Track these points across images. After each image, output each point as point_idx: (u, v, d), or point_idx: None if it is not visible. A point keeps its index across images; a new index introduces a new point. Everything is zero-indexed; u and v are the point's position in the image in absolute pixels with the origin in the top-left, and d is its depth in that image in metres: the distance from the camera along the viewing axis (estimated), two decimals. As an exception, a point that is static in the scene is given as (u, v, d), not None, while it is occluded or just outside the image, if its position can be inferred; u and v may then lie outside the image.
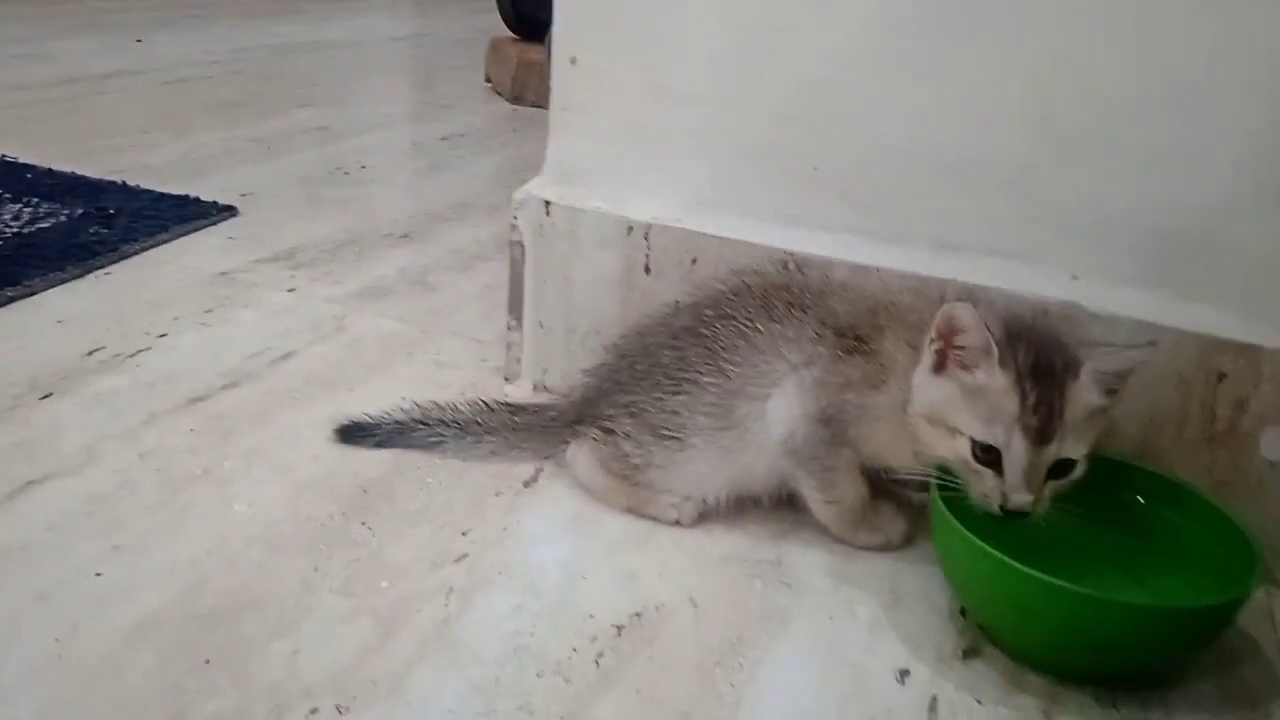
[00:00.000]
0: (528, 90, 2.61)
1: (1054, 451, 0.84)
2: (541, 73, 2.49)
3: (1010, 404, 0.84)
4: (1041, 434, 0.83)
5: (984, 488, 0.86)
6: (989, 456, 0.85)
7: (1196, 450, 0.98)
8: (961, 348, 0.86)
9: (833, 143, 1.06)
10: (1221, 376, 0.95)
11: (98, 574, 0.87)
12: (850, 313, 0.96)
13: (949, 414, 0.86)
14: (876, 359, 0.93)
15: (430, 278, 1.53)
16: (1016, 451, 0.84)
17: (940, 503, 0.87)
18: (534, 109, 2.52)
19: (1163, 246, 0.96)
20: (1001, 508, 0.85)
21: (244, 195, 1.78)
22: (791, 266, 1.07)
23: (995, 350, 0.84)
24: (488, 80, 2.89)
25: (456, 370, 1.26)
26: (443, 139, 2.33)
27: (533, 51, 2.63)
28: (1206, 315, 0.95)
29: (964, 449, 0.86)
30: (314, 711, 0.75)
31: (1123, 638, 0.80)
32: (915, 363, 0.91)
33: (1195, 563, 0.89)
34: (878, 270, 1.04)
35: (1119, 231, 0.98)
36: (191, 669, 0.78)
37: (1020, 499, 0.84)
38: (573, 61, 1.15)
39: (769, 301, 0.99)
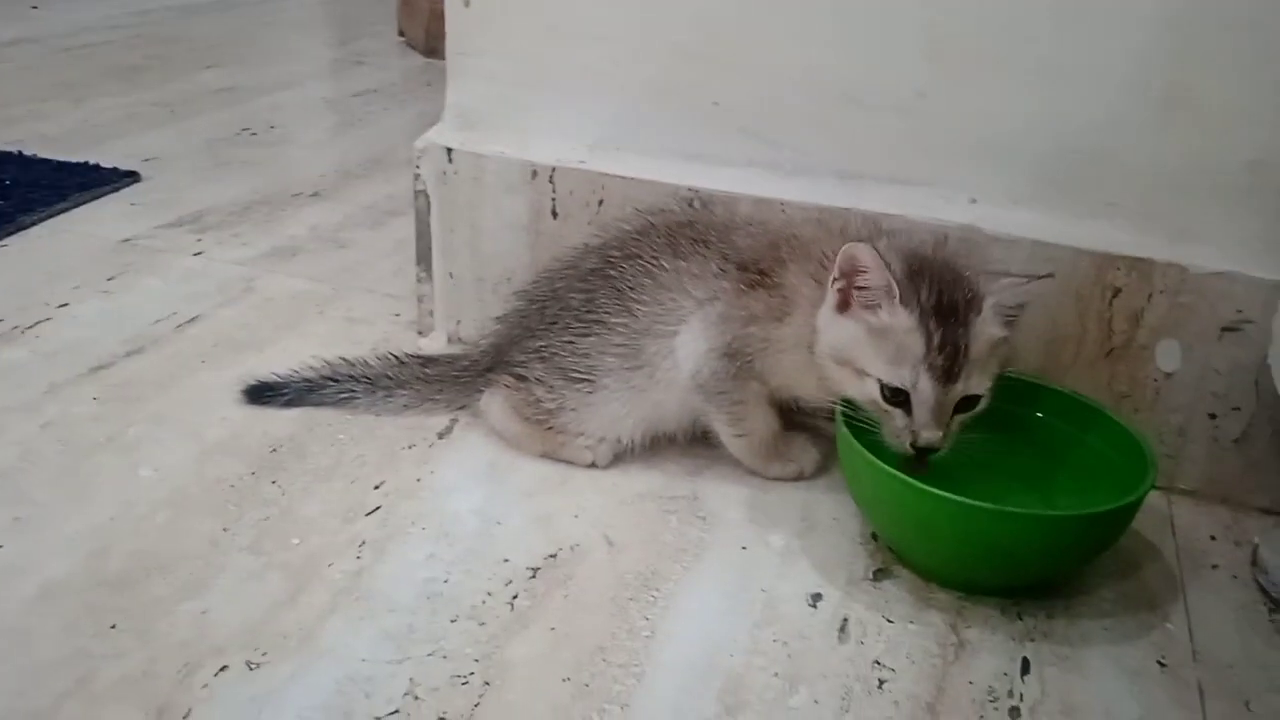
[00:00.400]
0: (442, 43, 2.56)
1: (961, 389, 0.85)
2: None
3: (916, 345, 0.84)
4: (948, 373, 0.84)
5: (893, 427, 0.86)
6: (898, 398, 0.85)
7: (1095, 366, 1.00)
8: (864, 288, 0.86)
9: (732, 76, 1.06)
10: (1116, 292, 0.97)
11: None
12: (753, 247, 0.96)
13: (856, 356, 0.87)
14: (780, 292, 0.94)
15: (342, 235, 1.51)
16: (924, 392, 0.84)
17: (845, 428, 0.88)
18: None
19: (1056, 165, 0.98)
20: (912, 445, 0.86)
21: (147, 160, 1.73)
22: (696, 204, 1.07)
23: (897, 290, 0.84)
24: (401, 34, 2.83)
25: (369, 326, 1.25)
26: (355, 95, 2.28)
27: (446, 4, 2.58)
28: (1100, 231, 0.97)
29: (873, 390, 0.86)
30: (224, 668, 0.75)
31: (1023, 547, 0.82)
32: (818, 295, 0.91)
33: (1097, 474, 0.91)
34: (782, 203, 1.04)
35: (1014, 153, 0.99)
36: (98, 634, 0.77)
37: (929, 436, 0.85)
38: (466, 4, 1.13)
39: (674, 239, 0.99)
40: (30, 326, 1.19)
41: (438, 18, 2.61)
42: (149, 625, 0.78)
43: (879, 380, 0.85)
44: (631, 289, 0.97)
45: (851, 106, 1.02)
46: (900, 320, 0.84)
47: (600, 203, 1.11)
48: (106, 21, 2.72)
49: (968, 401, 0.86)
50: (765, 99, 1.05)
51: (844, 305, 0.88)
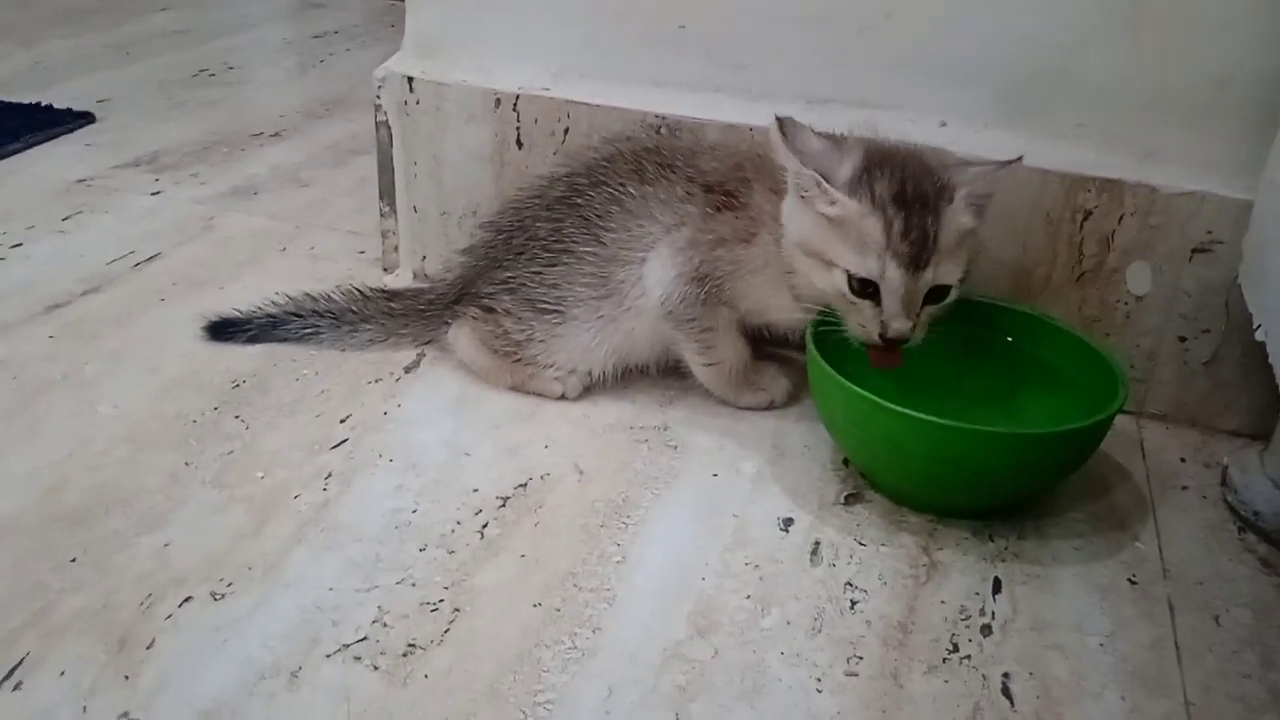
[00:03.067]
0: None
1: (930, 278, 0.83)
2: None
3: (875, 232, 0.82)
4: (916, 261, 0.82)
5: (862, 318, 0.85)
6: (866, 289, 0.84)
7: (1067, 289, 0.99)
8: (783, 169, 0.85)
9: (697, 3, 1.03)
10: (1087, 214, 0.96)
11: (-48, 484, 0.83)
12: (718, 169, 0.94)
13: (821, 245, 0.85)
14: (746, 212, 0.92)
15: (303, 174, 1.47)
16: (892, 280, 0.83)
17: (815, 351, 0.87)
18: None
19: (1025, 86, 0.96)
20: (881, 335, 0.84)
21: (101, 101, 1.68)
22: (664, 130, 1.04)
23: (821, 180, 0.83)
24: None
25: (333, 263, 1.22)
26: (315, 36, 2.23)
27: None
28: (1069, 152, 0.96)
29: (840, 281, 0.84)
30: (187, 599, 0.73)
31: (993, 466, 0.82)
32: (778, 208, 0.90)
33: (1067, 396, 0.91)
34: (750, 128, 1.02)
35: (983, 74, 0.97)
36: (55, 568, 0.75)
37: (899, 326, 0.83)
38: (425, -72, 1.10)
39: (640, 165, 0.97)
40: (-23, 267, 1.16)
41: (399, -43, 2.56)
42: (108, 558, 0.76)
43: (846, 270, 0.84)
44: (599, 217, 0.96)
45: (818, 28, 1.00)
46: (850, 207, 0.83)
47: (566, 131, 1.09)
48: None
49: (937, 292, 0.85)
50: (731, 21, 1.03)
51: (804, 193, 0.86)
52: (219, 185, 1.42)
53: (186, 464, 0.87)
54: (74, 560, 0.76)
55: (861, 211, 0.83)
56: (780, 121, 0.85)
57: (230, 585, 0.75)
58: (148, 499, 0.83)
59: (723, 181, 0.93)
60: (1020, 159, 0.87)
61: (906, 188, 0.83)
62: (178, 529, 0.80)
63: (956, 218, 0.84)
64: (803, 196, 0.85)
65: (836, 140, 0.89)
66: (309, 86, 1.90)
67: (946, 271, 0.84)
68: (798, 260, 0.87)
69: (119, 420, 0.92)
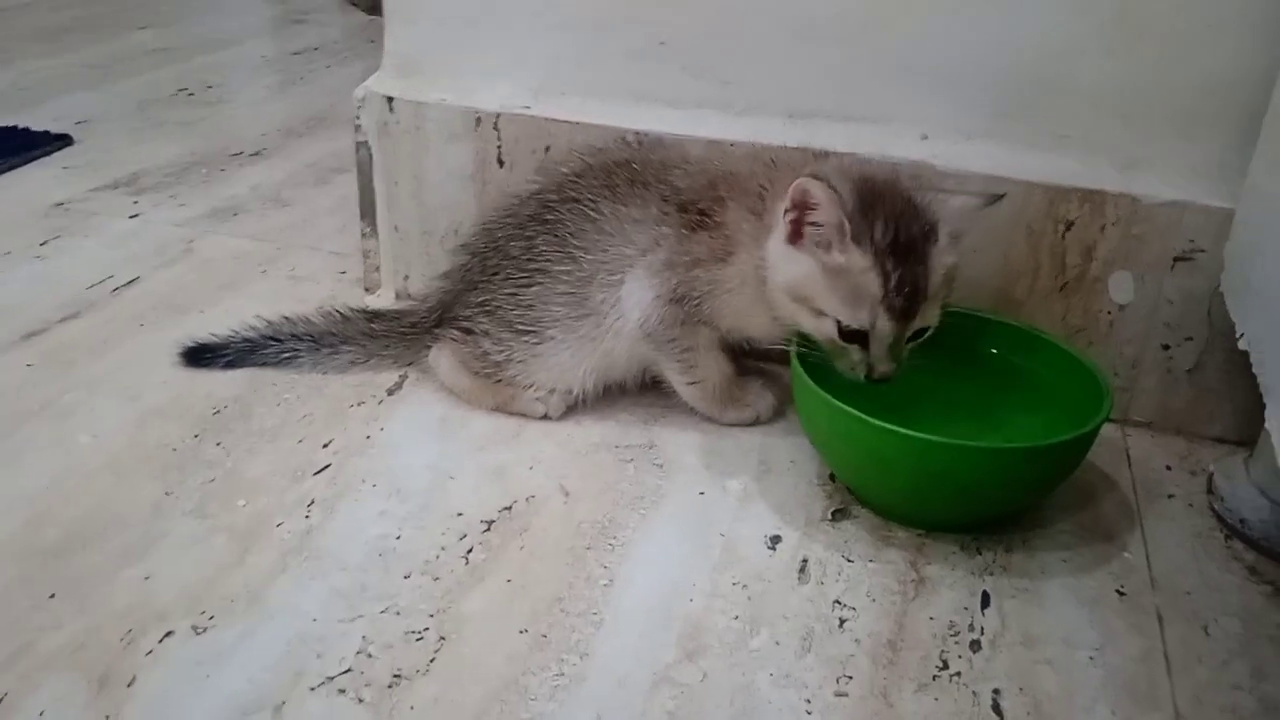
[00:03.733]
0: (383, -2, 2.50)
1: (917, 324, 0.84)
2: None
3: (873, 285, 0.82)
4: (906, 313, 0.83)
5: (849, 361, 0.86)
6: (855, 336, 0.84)
7: (1050, 299, 0.99)
8: (816, 224, 0.84)
9: (677, 13, 1.03)
10: (1069, 225, 0.96)
11: (-71, 519, 0.82)
12: (692, 187, 0.94)
13: (812, 294, 0.85)
14: (721, 231, 0.92)
15: (284, 194, 1.47)
16: (882, 331, 0.83)
17: (799, 368, 0.87)
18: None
19: (1007, 97, 0.96)
20: (866, 377, 0.85)
21: (79, 123, 1.67)
22: (636, 143, 1.03)
23: (849, 228, 0.82)
24: (342, -9, 2.76)
25: (314, 285, 1.22)
26: (295, 53, 2.22)
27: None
28: (1052, 164, 0.96)
29: (830, 329, 0.85)
30: (169, 634, 0.72)
31: (980, 481, 0.81)
32: (759, 229, 0.90)
33: (1052, 407, 0.91)
34: (732, 144, 1.02)
35: (965, 86, 0.97)
36: (35, 604, 0.74)
37: (885, 369, 0.85)
38: (401, -53, 1.10)
39: (612, 181, 0.96)
40: (-42, 294, 1.15)
41: (379, -28, 2.56)
42: (88, 593, 0.75)
43: (837, 320, 0.84)
44: (572, 235, 0.95)
45: (799, 42, 1.00)
46: (855, 260, 0.83)
47: (547, 149, 1.08)
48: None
49: (920, 332, 0.86)
50: (712, 37, 1.03)
51: (795, 237, 0.85)
52: (199, 207, 1.41)
53: (167, 493, 0.86)
54: (53, 596, 0.75)
55: (863, 265, 0.82)
56: (814, 175, 0.83)
57: (212, 618, 0.74)
58: (128, 530, 0.82)
59: (696, 200, 0.92)
60: (1003, 196, 0.87)
61: (900, 235, 0.82)
62: (159, 561, 0.79)
63: (942, 259, 0.84)
64: (818, 244, 0.84)
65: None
66: (289, 104, 1.89)
67: (931, 314, 0.85)
68: (784, 305, 0.87)
69: (98, 450, 0.91)
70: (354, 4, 2.68)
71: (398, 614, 0.75)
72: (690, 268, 0.92)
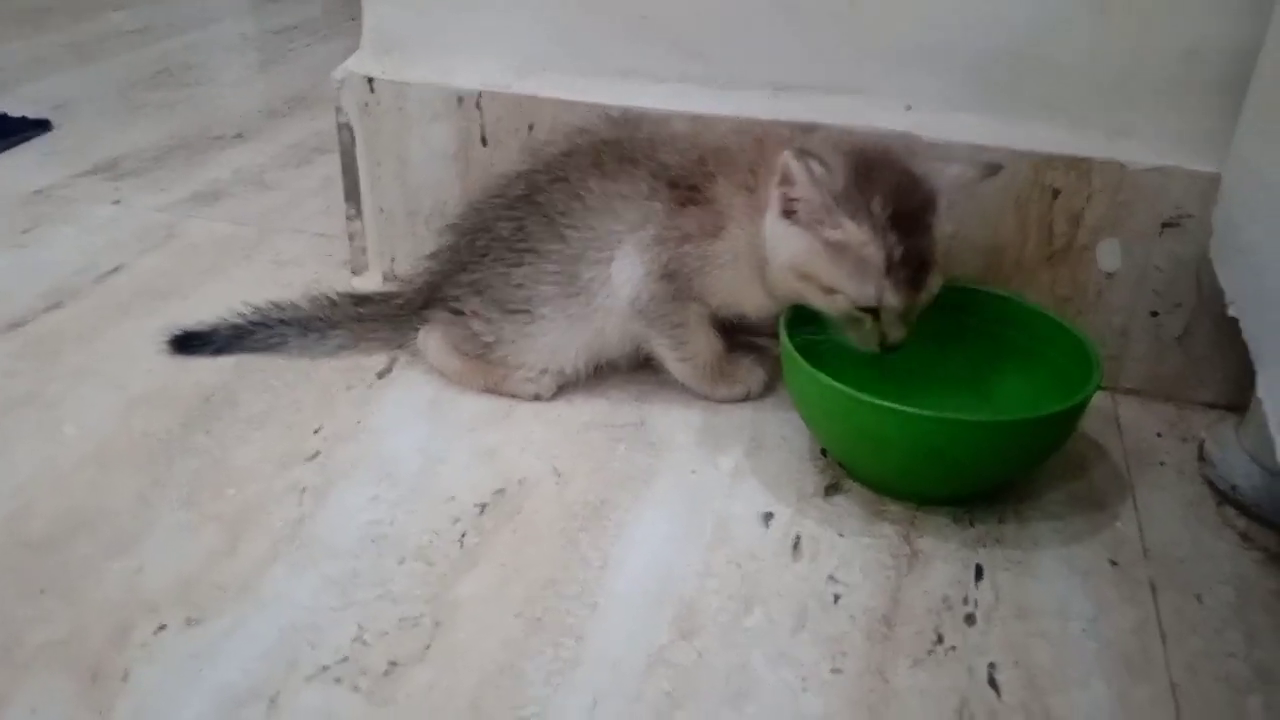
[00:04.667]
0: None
1: (926, 294, 0.85)
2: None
3: (875, 257, 0.82)
4: (915, 283, 0.83)
5: (860, 332, 0.86)
6: (867, 308, 0.84)
7: (1038, 269, 0.99)
8: (795, 199, 0.84)
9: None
10: (1056, 193, 0.96)
11: (-85, 515, 0.82)
12: (681, 164, 0.93)
13: (818, 271, 0.84)
14: (712, 207, 0.91)
15: (266, 176, 1.45)
16: (892, 304, 0.83)
17: (789, 344, 0.86)
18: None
19: (991, 67, 0.95)
20: (880, 346, 0.85)
21: (57, 107, 1.65)
22: (623, 122, 1.02)
23: (834, 207, 0.82)
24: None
25: (300, 268, 1.21)
26: (275, 32, 2.20)
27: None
28: (1038, 132, 0.96)
29: (843, 304, 0.84)
30: (161, 627, 0.72)
31: (972, 454, 0.81)
32: (750, 205, 0.89)
33: (1041, 378, 0.91)
34: (717, 119, 1.01)
35: (948, 56, 0.96)
36: (22, 597, 0.74)
37: (897, 336, 0.85)
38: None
39: (600, 159, 0.95)
40: (-61, 285, 1.14)
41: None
42: (77, 586, 0.75)
43: (847, 296, 0.84)
44: (561, 214, 0.94)
45: (782, 14, 0.99)
46: (852, 234, 0.82)
47: (530, 127, 1.07)
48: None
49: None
50: (693, 10, 1.01)
51: (789, 212, 0.85)
52: (180, 191, 1.39)
53: (155, 484, 0.85)
54: (42, 590, 0.75)
55: (863, 239, 0.82)
56: (799, 151, 0.82)
57: (204, 609, 0.73)
58: (116, 522, 0.81)
59: (686, 176, 0.92)
60: (1001, 167, 0.87)
61: (900, 206, 0.82)
62: (149, 552, 0.78)
63: (942, 228, 0.84)
64: (809, 222, 0.84)
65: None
66: (270, 84, 1.87)
67: (936, 282, 0.85)
68: (791, 283, 0.87)
69: (85, 440, 0.90)
70: (333, -21, 2.65)
71: (392, 601, 0.75)
72: (680, 243, 0.91)
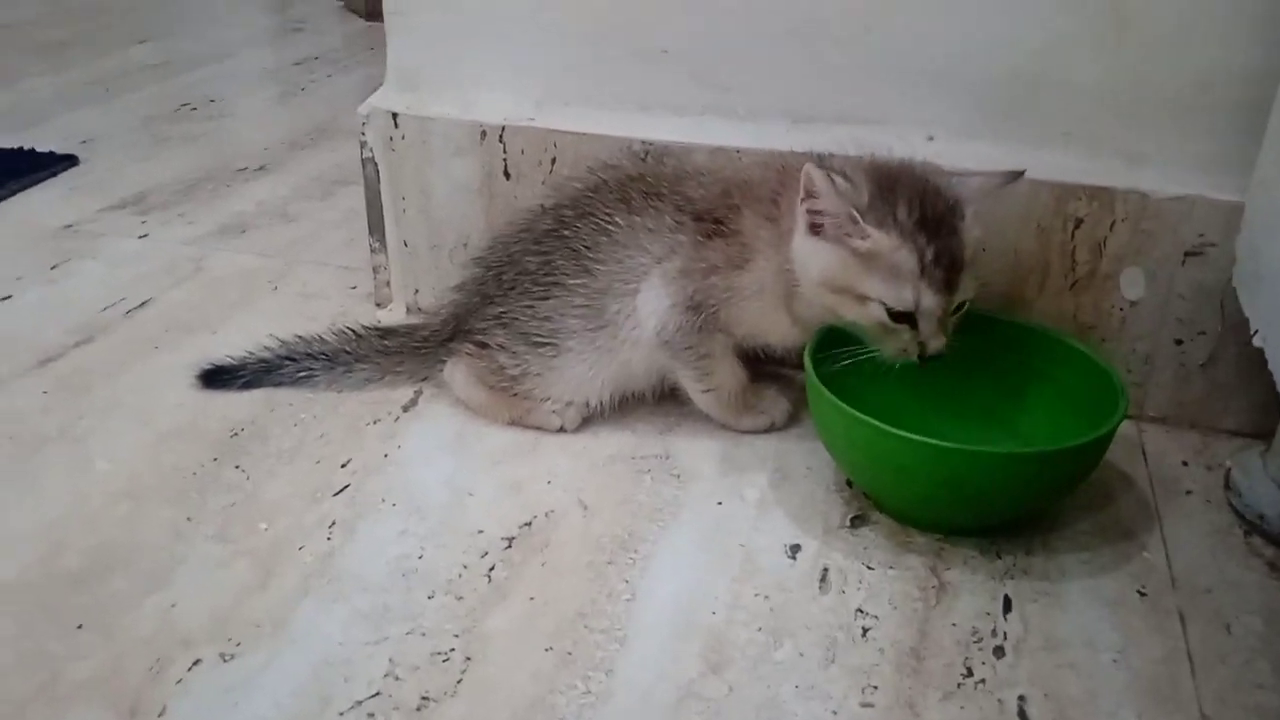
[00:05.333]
0: (381, 5, 2.50)
1: (959, 296, 0.85)
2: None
3: (908, 261, 0.83)
4: (948, 284, 0.84)
5: (900, 342, 0.86)
6: (903, 316, 0.85)
7: (1061, 298, 0.99)
8: (819, 211, 0.85)
9: (677, 19, 1.03)
10: (1078, 222, 0.96)
11: (-48, 550, 0.83)
12: (705, 196, 0.94)
13: (851, 281, 0.85)
14: (737, 239, 0.92)
15: (290, 208, 1.47)
16: (929, 306, 0.84)
17: (814, 375, 0.87)
18: (390, 24, 2.41)
19: (1010, 95, 0.96)
20: (920, 357, 0.85)
21: (84, 142, 1.67)
22: (649, 158, 1.04)
23: (860, 217, 0.83)
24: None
25: (325, 301, 1.22)
26: (295, 63, 2.22)
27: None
28: (1058, 161, 0.96)
29: (878, 313, 0.85)
30: (197, 662, 0.73)
31: (997, 485, 0.82)
32: (775, 236, 0.90)
33: (1066, 407, 0.91)
34: (737, 150, 1.02)
35: (967, 85, 0.97)
36: (59, 633, 0.75)
37: (938, 344, 0.85)
38: (402, -38, 1.10)
39: (626, 194, 0.96)
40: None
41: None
42: (114, 622, 0.76)
43: (882, 303, 0.84)
44: (588, 248, 0.95)
45: (799, 45, 1.00)
46: (882, 241, 0.83)
47: (553, 161, 1.09)
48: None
49: (960, 305, 0.86)
50: (713, 41, 1.03)
51: (816, 228, 0.86)
52: (207, 224, 1.41)
53: (188, 518, 0.86)
54: (79, 626, 0.75)
55: (892, 244, 0.83)
56: (819, 164, 0.84)
57: (239, 644, 0.74)
58: (150, 557, 0.82)
59: (711, 209, 0.93)
60: (1023, 173, 0.88)
61: (926, 211, 0.83)
62: (182, 587, 0.79)
63: (971, 233, 0.85)
64: (836, 235, 0.84)
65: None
66: (291, 116, 1.89)
67: (969, 286, 0.86)
68: (824, 298, 0.87)
69: (117, 475, 0.91)
70: (353, 11, 2.68)
71: (423, 635, 0.76)
72: (706, 275, 0.92)
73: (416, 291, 1.19)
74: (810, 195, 0.85)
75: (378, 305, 1.20)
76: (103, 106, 1.88)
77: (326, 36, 2.43)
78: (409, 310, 1.19)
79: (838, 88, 1.01)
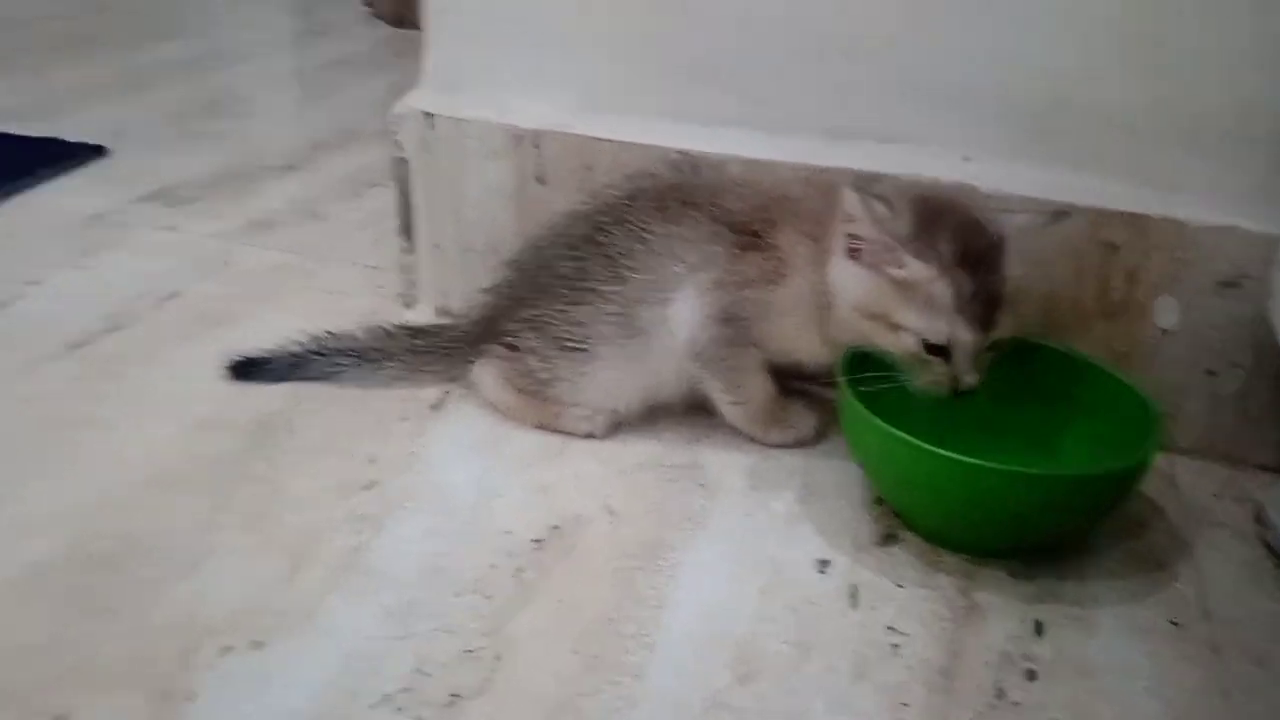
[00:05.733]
0: (409, 12, 2.51)
1: (996, 333, 0.85)
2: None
3: (945, 294, 0.83)
4: (985, 321, 0.84)
5: (932, 375, 0.86)
6: (936, 349, 0.85)
7: (1094, 324, 0.99)
8: (858, 236, 0.85)
9: (715, 32, 1.03)
10: (1114, 248, 0.96)
11: (-22, 529, 0.82)
12: (744, 209, 0.94)
13: (887, 309, 0.85)
14: (774, 254, 0.92)
15: (318, 207, 1.47)
16: (965, 342, 0.84)
17: (848, 391, 0.87)
18: (418, 32, 2.43)
19: (1047, 118, 0.97)
20: (952, 391, 0.85)
21: (113, 134, 1.67)
22: (686, 167, 1.04)
23: (899, 246, 0.83)
24: (366, 3, 2.77)
25: (352, 299, 1.22)
26: (322, 66, 2.23)
27: (411, -29, 2.52)
28: (1096, 186, 0.96)
29: (910, 343, 0.85)
30: (227, 649, 0.72)
31: (1030, 508, 0.81)
32: (814, 254, 0.90)
33: (1100, 433, 0.90)
34: (772, 164, 1.02)
35: (1003, 106, 0.97)
36: (90, 616, 0.74)
37: (971, 380, 0.85)
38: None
39: (663, 203, 0.96)
40: (3, 304, 1.15)
41: (406, -14, 2.57)
42: (142, 608, 0.75)
43: (917, 334, 0.84)
44: (622, 255, 0.95)
45: (837, 59, 1.00)
46: (919, 271, 0.83)
47: (588, 167, 1.09)
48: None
49: (997, 341, 0.86)
50: (750, 54, 1.03)
51: (855, 252, 0.86)
52: (234, 219, 1.41)
53: (215, 508, 0.86)
54: (109, 609, 0.75)
55: (930, 275, 0.83)
56: (862, 188, 0.84)
57: (267, 634, 0.74)
58: (177, 544, 0.82)
59: (749, 222, 0.93)
60: (1069, 214, 0.88)
61: (968, 246, 0.83)
62: (209, 576, 0.79)
63: (1012, 269, 0.84)
64: (874, 263, 0.85)
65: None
66: (318, 118, 1.90)
67: (1007, 324, 0.85)
68: (858, 323, 0.87)
69: (145, 462, 0.91)
70: (378, 17, 2.70)
71: (450, 633, 0.75)
72: (740, 288, 0.92)
73: (445, 294, 1.19)
74: (848, 219, 0.85)
75: (405, 305, 1.20)
76: (131, 100, 1.88)
77: (352, 41, 2.44)
78: (437, 311, 1.19)
79: (873, 105, 1.02)
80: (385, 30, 2.58)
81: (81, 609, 0.75)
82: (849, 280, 0.87)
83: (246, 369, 1.03)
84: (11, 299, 1.17)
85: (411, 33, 2.47)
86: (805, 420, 0.99)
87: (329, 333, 1.06)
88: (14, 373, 1.03)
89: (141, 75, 2.03)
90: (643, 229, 0.96)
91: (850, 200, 0.84)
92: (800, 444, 0.99)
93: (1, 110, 1.74)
